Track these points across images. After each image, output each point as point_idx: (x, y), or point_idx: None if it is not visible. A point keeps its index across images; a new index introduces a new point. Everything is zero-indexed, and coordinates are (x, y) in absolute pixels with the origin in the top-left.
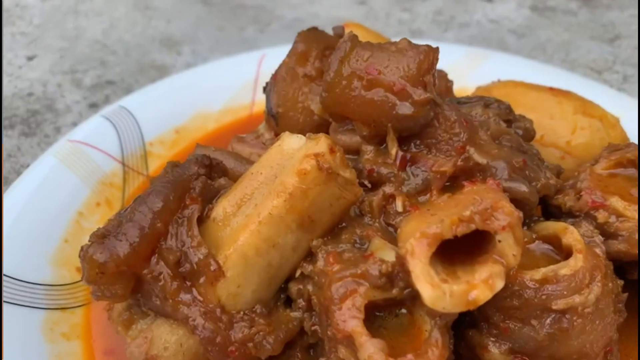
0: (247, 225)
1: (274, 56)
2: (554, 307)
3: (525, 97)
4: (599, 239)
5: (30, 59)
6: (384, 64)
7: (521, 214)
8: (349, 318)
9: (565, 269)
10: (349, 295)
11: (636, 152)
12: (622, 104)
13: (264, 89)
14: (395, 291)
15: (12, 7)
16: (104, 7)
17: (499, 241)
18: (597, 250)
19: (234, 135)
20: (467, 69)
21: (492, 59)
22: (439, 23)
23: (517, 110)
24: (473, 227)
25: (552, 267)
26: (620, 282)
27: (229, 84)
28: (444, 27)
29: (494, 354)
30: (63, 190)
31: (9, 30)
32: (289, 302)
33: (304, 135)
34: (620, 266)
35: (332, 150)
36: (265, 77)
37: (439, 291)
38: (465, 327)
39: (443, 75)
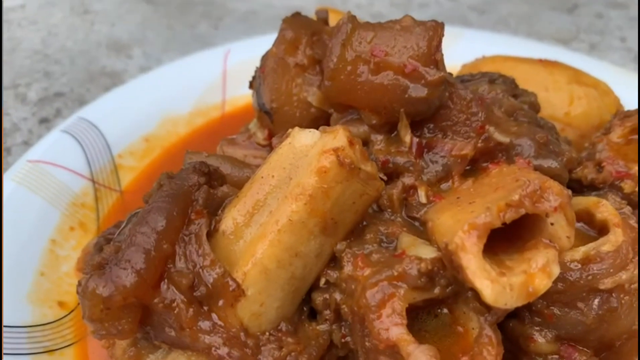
0: (265, 235)
1: (240, 51)
2: (601, 287)
3: (516, 71)
4: (628, 209)
5: None
6: (390, 44)
7: (570, 192)
8: (391, 326)
9: (606, 245)
10: (387, 301)
11: None
12: (601, 69)
13: (251, 84)
14: (437, 290)
15: None
16: (38, 14)
17: (552, 224)
18: (632, 222)
19: (208, 138)
20: (444, 47)
21: (465, 36)
22: (397, 5)
23: None
24: (523, 211)
25: (592, 244)
26: None
27: (195, 83)
28: (403, 9)
29: (540, 344)
30: (30, 217)
31: None
32: (313, 315)
33: None
34: None
35: (351, 143)
36: (233, 74)
37: (499, 286)
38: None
39: None
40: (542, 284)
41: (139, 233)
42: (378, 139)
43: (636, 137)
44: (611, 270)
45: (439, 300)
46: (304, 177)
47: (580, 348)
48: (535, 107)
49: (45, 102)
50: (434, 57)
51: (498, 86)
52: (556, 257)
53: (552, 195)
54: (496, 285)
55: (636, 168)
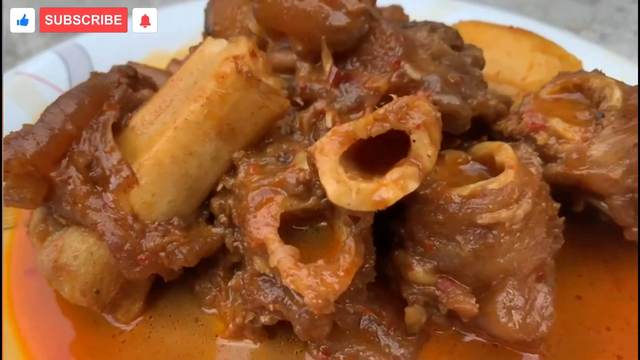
0: (163, 132)
1: None
2: (479, 222)
3: (485, 34)
4: (537, 160)
5: None
6: None
7: (439, 115)
8: (262, 225)
9: (494, 183)
10: (265, 204)
11: (584, 77)
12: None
13: (205, 10)
14: (312, 200)
15: None
16: None
17: (414, 141)
18: (532, 170)
19: None
20: (436, 17)
21: (463, 9)
22: None
23: None
24: (387, 126)
25: (480, 182)
26: (557, 206)
27: (189, 27)
28: None
29: (417, 273)
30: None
31: None
32: (212, 220)
33: None
34: (568, 196)
35: (253, 54)
36: None
37: (345, 187)
38: (392, 248)
39: (399, 8)
40: (392, 193)
41: (49, 112)
42: (303, 66)
43: (566, 95)
44: (491, 207)
45: (319, 213)
46: (206, 81)
47: (458, 283)
48: (478, 61)
49: (61, 36)
50: None
51: (437, 34)
52: (415, 174)
53: (417, 114)
54: (342, 185)
55: (552, 122)
